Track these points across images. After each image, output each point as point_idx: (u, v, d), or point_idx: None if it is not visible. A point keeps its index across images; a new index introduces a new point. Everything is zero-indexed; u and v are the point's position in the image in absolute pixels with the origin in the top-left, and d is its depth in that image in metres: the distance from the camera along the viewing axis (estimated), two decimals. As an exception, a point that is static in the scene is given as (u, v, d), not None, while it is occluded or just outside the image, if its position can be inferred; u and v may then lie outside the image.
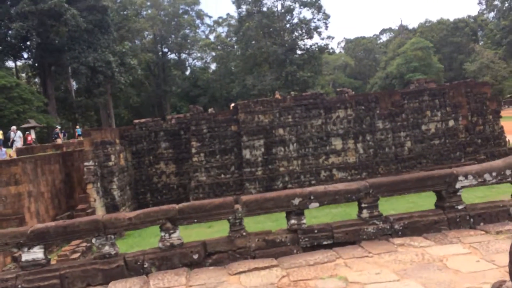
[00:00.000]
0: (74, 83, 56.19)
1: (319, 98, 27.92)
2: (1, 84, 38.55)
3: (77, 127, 41.52)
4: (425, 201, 11.20)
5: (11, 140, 21.94)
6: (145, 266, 5.99)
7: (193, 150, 27.77)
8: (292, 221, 6.55)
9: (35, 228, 5.72)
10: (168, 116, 35.20)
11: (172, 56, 77.67)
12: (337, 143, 27.64)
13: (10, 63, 54.69)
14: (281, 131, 27.48)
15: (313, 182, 27.23)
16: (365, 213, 6.69)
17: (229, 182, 27.51)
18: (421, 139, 28.42)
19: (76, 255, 17.94)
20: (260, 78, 62.40)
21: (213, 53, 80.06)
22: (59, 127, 31.82)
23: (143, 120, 30.33)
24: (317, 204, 6.58)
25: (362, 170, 27.54)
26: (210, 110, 36.34)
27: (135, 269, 5.98)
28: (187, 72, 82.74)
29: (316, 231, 6.53)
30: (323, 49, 69.03)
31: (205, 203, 6.31)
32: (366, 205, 6.69)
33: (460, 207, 6.75)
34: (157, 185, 29.28)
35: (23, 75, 60.21)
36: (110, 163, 23.33)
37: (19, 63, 56.27)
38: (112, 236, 6.01)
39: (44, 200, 20.61)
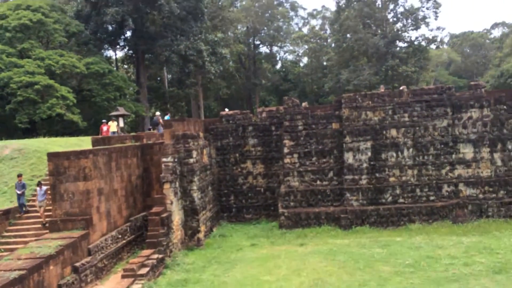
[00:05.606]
0: (166, 73, 55.75)
1: (446, 93, 22.37)
2: (95, 70, 38.12)
3: (167, 114, 40.13)
4: None
5: None
6: None
7: (285, 150, 23.89)
8: None
9: None
10: (258, 108, 31.66)
11: (263, 48, 75.31)
12: (467, 151, 21.93)
13: (110, 53, 55.66)
14: (394, 132, 22.47)
15: (431, 198, 21.94)
16: None
17: (325, 190, 23.19)
18: None
19: (144, 270, 15.03)
20: (356, 72, 57.82)
21: (306, 46, 76.04)
22: (158, 113, 28.71)
23: (230, 112, 27.14)
24: None
25: (500, 187, 21.54)
26: (304, 104, 32.13)
27: None
28: (278, 66, 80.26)
29: None
30: (431, 41, 61.89)
31: None
32: None
33: None
34: (242, 187, 25.93)
35: (125, 66, 61.12)
36: (191, 160, 20.31)
37: (119, 54, 57.07)
38: None
39: (117, 198, 18.11)
